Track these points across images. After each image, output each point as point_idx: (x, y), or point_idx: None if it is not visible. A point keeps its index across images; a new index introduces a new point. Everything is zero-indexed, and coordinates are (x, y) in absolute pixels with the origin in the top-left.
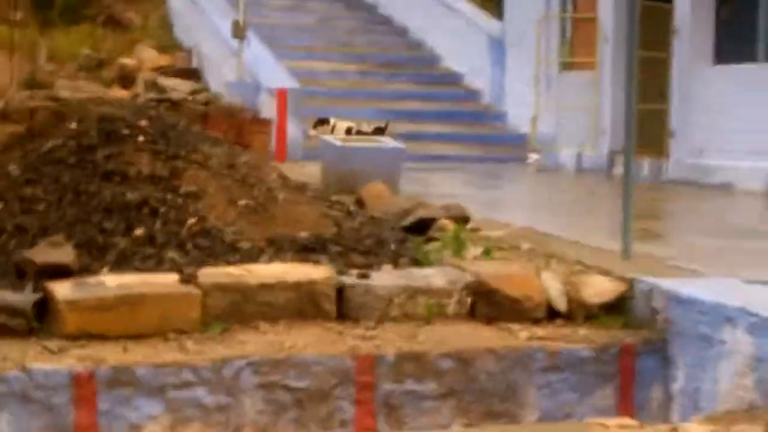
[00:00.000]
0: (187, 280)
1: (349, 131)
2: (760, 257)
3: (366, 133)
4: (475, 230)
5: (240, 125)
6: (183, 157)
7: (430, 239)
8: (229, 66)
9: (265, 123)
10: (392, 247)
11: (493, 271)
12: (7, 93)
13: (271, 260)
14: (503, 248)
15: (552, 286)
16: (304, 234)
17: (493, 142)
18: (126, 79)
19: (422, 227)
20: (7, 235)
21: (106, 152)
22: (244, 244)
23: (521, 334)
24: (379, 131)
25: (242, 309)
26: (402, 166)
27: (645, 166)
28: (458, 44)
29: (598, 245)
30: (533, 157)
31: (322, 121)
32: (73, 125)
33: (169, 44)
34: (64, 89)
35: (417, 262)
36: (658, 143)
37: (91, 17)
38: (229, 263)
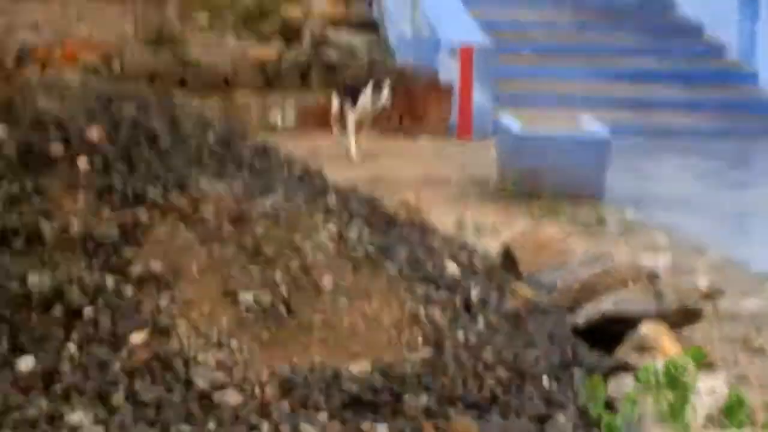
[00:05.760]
0: None
1: None
2: None
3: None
4: (709, 296)
5: (412, 93)
6: (152, 202)
7: (620, 368)
8: (406, 17)
9: (445, 90)
10: (544, 385)
11: None
12: (124, 50)
13: None
14: None
15: None
16: (359, 366)
17: (741, 111)
18: (289, 34)
19: (612, 329)
20: None
21: (12, 190)
22: (231, 397)
23: None
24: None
25: None
26: (608, 163)
27: None
28: None
29: None
30: None
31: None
32: None
33: None
34: (198, 47)
35: (590, 422)
36: None
37: None
38: None
